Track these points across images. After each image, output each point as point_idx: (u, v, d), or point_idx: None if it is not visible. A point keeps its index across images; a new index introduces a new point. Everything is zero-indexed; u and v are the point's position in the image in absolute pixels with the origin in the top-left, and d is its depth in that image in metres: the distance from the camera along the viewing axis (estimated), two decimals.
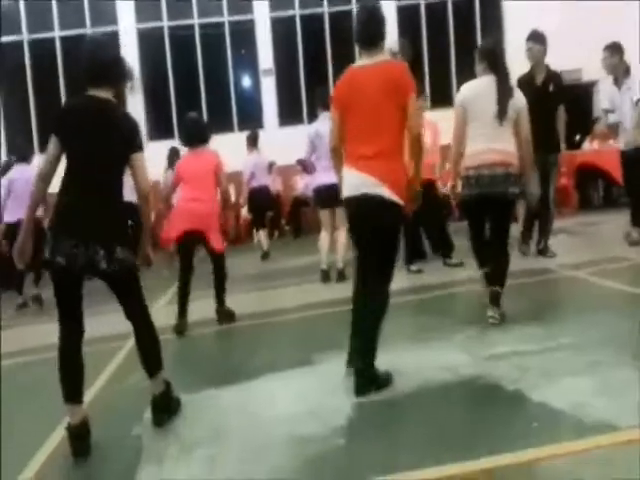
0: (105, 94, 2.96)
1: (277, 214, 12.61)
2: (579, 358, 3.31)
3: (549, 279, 5.49)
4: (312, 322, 5.07)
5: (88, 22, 13.88)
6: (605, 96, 6.91)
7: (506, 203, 4.17)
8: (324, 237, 6.76)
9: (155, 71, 14.25)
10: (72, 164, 2.91)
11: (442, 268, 6.56)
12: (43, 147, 3.09)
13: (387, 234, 3.26)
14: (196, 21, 14.09)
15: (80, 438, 2.87)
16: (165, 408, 3.17)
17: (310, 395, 3.28)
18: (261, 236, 9.80)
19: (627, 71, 6.47)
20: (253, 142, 9.74)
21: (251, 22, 14.05)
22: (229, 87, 14.61)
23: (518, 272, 5.88)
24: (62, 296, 2.92)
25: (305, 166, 6.90)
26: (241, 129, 11.12)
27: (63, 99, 13.57)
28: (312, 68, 14.25)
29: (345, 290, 5.49)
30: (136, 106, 13.56)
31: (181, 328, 5.07)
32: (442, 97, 13.58)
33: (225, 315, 5.34)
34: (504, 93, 4.14)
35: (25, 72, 13.73)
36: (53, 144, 2.88)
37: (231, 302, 5.39)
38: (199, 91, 14.34)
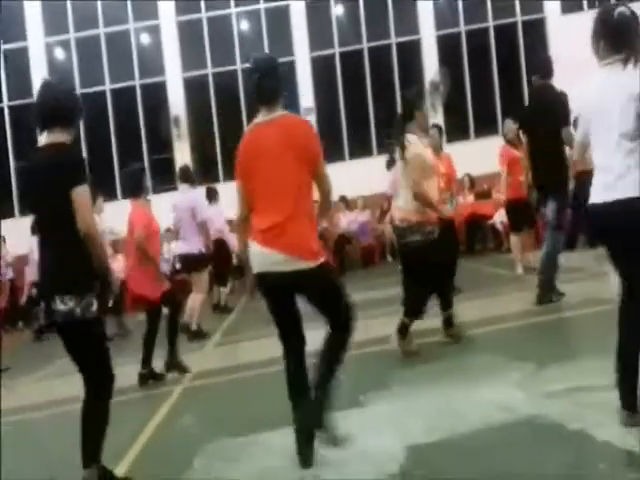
0: (58, 137, 2.82)
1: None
2: None
3: (610, 310, 5.22)
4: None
5: (137, 74, 14.40)
6: None
7: None
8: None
9: (200, 118, 14.61)
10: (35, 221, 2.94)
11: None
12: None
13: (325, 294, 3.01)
14: (239, 66, 14.43)
15: None
16: None
17: (359, 436, 3.16)
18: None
19: None
20: None
21: (292, 63, 14.29)
22: None
23: (577, 303, 5.64)
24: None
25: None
26: None
27: (115, 150, 14.09)
28: (352, 105, 14.37)
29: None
30: (183, 152, 13.94)
31: None
32: (486, 125, 13.45)
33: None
34: None
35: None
36: None
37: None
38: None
